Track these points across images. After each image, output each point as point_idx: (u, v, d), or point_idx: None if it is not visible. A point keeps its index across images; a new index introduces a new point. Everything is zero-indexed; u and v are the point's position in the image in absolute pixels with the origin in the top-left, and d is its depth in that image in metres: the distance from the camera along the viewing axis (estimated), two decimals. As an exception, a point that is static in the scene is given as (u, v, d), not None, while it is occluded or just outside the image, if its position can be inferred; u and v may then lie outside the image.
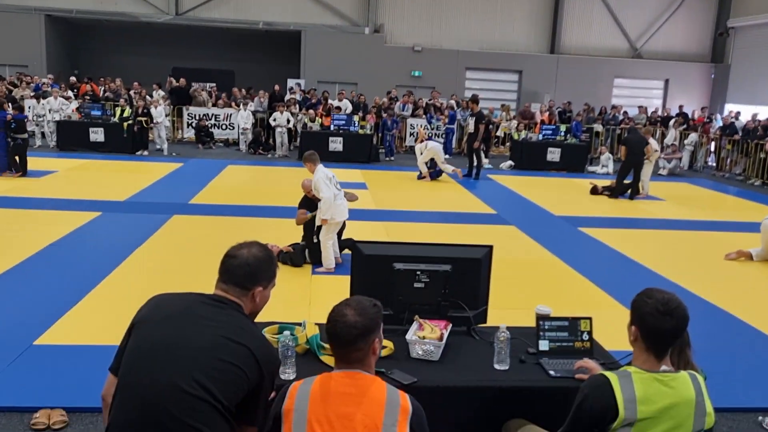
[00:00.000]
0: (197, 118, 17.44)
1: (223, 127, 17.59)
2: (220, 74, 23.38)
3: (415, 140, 15.06)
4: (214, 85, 20.58)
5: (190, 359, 2.05)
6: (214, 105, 17.91)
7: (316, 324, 3.31)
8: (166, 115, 16.37)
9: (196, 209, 9.43)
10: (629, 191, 12.17)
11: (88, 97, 17.69)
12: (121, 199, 9.83)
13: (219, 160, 14.74)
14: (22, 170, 11.45)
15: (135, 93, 17.73)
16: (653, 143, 12.59)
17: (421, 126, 16.96)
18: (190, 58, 24.48)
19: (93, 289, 5.77)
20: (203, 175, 12.33)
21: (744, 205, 12.31)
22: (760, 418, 4.02)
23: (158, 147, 15.68)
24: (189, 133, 17.53)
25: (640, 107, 20.46)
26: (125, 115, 15.49)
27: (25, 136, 11.78)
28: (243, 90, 18.91)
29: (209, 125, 17.37)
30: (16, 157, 11.42)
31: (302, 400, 2.12)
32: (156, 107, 15.62)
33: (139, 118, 15.35)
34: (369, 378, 2.18)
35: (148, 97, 17.00)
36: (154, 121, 15.48)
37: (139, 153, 15.21)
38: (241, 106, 17.17)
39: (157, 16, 22.70)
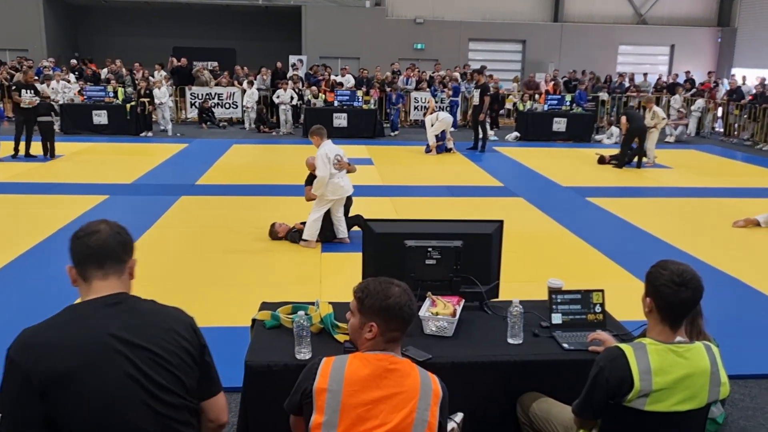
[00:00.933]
0: (200, 98, 17.37)
1: (227, 106, 17.53)
2: (221, 53, 23.22)
3: (424, 113, 14.99)
4: (215, 63, 20.44)
5: (139, 398, 1.84)
6: (216, 84, 17.83)
7: (329, 303, 3.33)
8: (170, 96, 16.30)
9: (203, 190, 9.44)
10: (636, 159, 12.11)
11: (89, 81, 17.62)
12: (128, 182, 9.85)
13: (224, 139, 14.71)
14: (49, 153, 11.80)
15: (137, 73, 17.65)
16: (659, 111, 12.46)
17: (429, 98, 16.86)
18: (191, 37, 24.33)
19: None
20: (209, 155, 12.32)
21: (753, 171, 12.23)
22: (773, 384, 4.03)
23: (162, 128, 15.65)
24: (192, 113, 17.47)
25: (645, 74, 20.24)
26: (121, 96, 15.45)
27: (49, 118, 12.02)
28: (245, 68, 18.77)
29: (212, 104, 17.30)
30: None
31: (336, 380, 2.10)
32: (159, 88, 15.56)
33: (142, 100, 15.30)
34: (402, 362, 2.17)
35: (150, 77, 16.92)
36: (158, 102, 15.43)
37: (143, 134, 15.20)
38: (245, 84, 17.08)
39: (155, -5, 22.54)
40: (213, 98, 17.43)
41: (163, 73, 17.69)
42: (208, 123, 16.89)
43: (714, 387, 2.32)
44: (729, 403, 3.76)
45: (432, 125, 13.17)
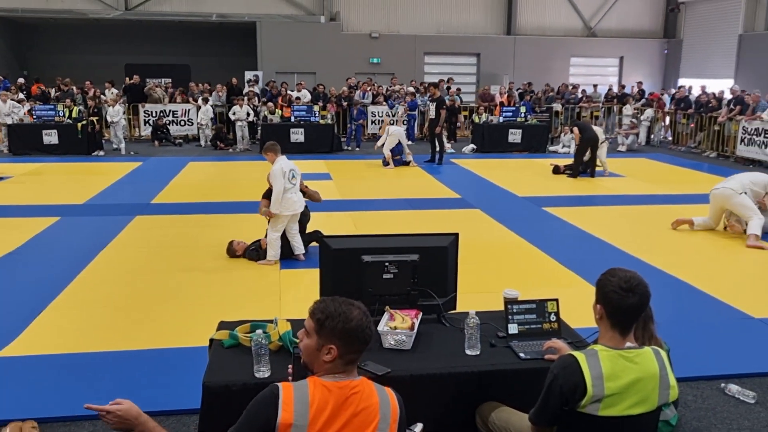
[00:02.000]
0: (154, 115, 17.14)
1: (182, 123, 17.33)
2: (175, 69, 23.00)
3: (380, 129, 15.10)
4: (169, 80, 20.22)
5: None
6: (171, 101, 17.62)
7: (288, 320, 3.33)
8: (123, 113, 16.04)
9: (159, 209, 9.30)
10: (589, 169, 12.38)
11: (38, 101, 17.23)
12: (80, 202, 9.64)
13: (179, 157, 14.53)
14: None
15: (88, 92, 17.33)
16: (599, 132, 12.67)
17: (386, 114, 16.99)
18: (144, 53, 24.05)
19: (56, 297, 5.66)
20: (164, 174, 12.16)
21: (700, 178, 12.62)
22: (723, 384, 4.15)
23: (115, 147, 15.38)
24: (146, 131, 17.22)
25: (594, 86, 20.76)
26: (75, 115, 15.15)
27: None
28: (200, 84, 18.63)
29: (167, 122, 17.09)
30: None
31: (302, 414, 2.03)
32: (113, 106, 15.30)
33: (92, 118, 15.02)
34: (361, 384, 2.15)
35: (102, 96, 16.64)
36: (110, 120, 15.17)
37: (95, 154, 14.91)
38: (200, 100, 16.94)
39: (105, 12, 22.19)
40: (168, 115, 17.22)
41: (114, 90, 17.42)
42: (164, 141, 16.67)
43: (663, 390, 2.39)
44: (682, 405, 3.87)
45: (384, 140, 13.32)
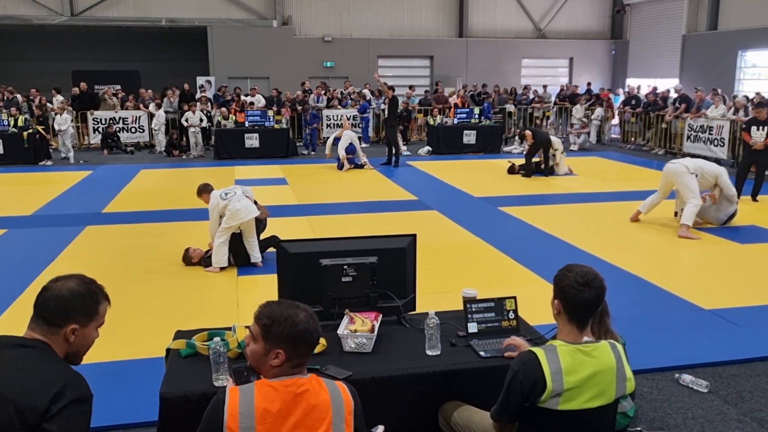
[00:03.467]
0: (104, 122, 16.76)
1: (133, 130, 16.98)
2: (124, 75, 22.49)
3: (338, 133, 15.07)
4: (118, 86, 19.79)
5: None
6: (121, 108, 17.25)
7: (246, 327, 3.27)
8: (71, 121, 15.63)
9: (110, 218, 9.08)
10: (543, 168, 12.61)
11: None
12: (27, 214, 9.34)
13: (131, 165, 14.23)
14: None
15: (34, 100, 16.83)
16: (557, 143, 12.92)
17: (345, 117, 16.95)
18: (91, 60, 23.45)
19: (3, 312, 5.47)
20: (115, 182, 11.88)
21: (650, 174, 12.93)
22: (677, 375, 4.26)
23: (63, 156, 14.99)
24: (96, 139, 16.81)
25: (544, 86, 21.12)
26: (20, 124, 14.70)
27: None
28: (150, 90, 18.30)
29: (117, 129, 16.72)
30: None
31: (247, 416, 2.01)
32: (61, 114, 14.90)
33: (37, 127, 14.59)
34: (309, 381, 2.12)
35: (49, 104, 16.18)
36: (58, 128, 14.76)
37: (42, 163, 14.49)
38: (152, 107, 16.63)
39: (50, 17, 21.59)
40: (118, 123, 16.85)
41: (61, 98, 16.97)
42: (114, 149, 16.30)
43: (620, 383, 2.43)
44: (638, 396, 3.95)
45: (332, 140, 13.43)
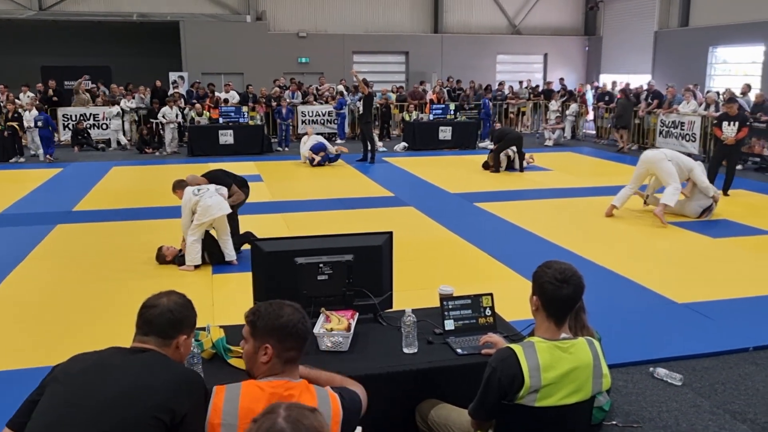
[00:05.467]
0: (74, 119, 16.46)
1: (104, 126, 16.70)
2: (95, 71, 22.02)
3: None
4: (89, 82, 19.44)
5: (95, 421, 1.91)
6: (93, 104, 16.96)
7: (221, 326, 3.23)
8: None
9: (82, 216, 8.92)
10: (518, 165, 12.69)
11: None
12: (-4, 212, 9.16)
13: (102, 162, 14.01)
14: None
15: (2, 96, 16.46)
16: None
17: (309, 128, 16.79)
18: (61, 55, 22.99)
19: (-28, 313, 5.34)
20: (86, 180, 11.68)
21: (623, 169, 13.05)
22: (651, 369, 4.30)
23: (33, 153, 14.70)
24: (66, 136, 16.52)
25: (520, 82, 21.23)
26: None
27: None
28: (121, 87, 18.03)
29: (87, 126, 16.44)
30: None
31: (231, 413, 2.02)
32: (30, 111, 14.60)
33: (10, 124, 14.29)
34: (298, 386, 2.12)
35: (17, 100, 15.84)
36: (27, 125, 14.46)
37: (13, 160, 14.20)
38: (123, 103, 16.39)
39: (18, 12, 21.15)
40: (88, 119, 16.56)
41: (31, 94, 16.63)
42: (84, 146, 16.03)
43: (597, 379, 2.44)
44: (614, 390, 3.97)
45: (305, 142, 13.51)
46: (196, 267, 6.47)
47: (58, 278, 6.29)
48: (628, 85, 17.92)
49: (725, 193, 10.15)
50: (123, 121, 16.84)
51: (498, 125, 17.12)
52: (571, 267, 2.47)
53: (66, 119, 16.55)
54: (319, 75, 20.98)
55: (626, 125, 15.81)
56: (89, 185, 11.18)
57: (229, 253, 6.60)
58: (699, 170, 8.50)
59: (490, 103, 18.55)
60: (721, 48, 20.40)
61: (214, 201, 6.41)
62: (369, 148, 13.93)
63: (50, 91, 16.94)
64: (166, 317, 2.18)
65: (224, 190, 6.71)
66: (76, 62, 22.63)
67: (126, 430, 1.89)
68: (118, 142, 16.47)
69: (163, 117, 15.67)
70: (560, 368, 2.38)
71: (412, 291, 5.17)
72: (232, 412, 2.02)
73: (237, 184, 7.01)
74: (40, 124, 14.27)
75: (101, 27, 23.08)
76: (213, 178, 6.85)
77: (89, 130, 16.41)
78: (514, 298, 4.12)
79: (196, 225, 6.36)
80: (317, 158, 13.21)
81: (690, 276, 6.32)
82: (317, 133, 14.59)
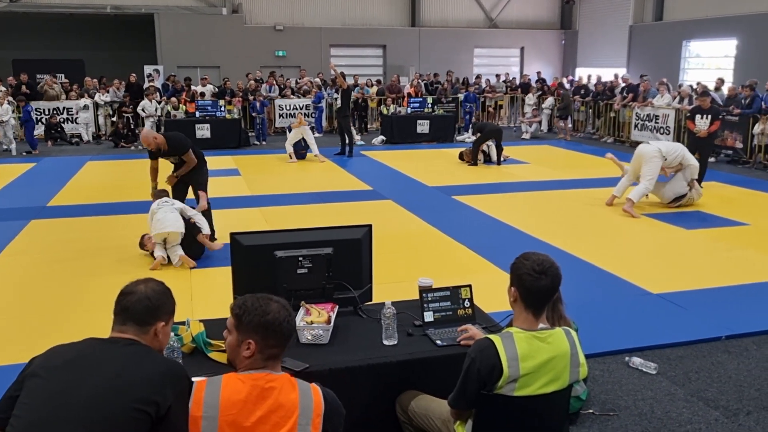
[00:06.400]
0: (47, 113, 16.21)
1: (78, 120, 16.46)
2: (68, 64, 21.75)
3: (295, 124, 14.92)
4: (62, 75, 19.16)
5: (81, 417, 1.89)
6: (66, 98, 16.71)
7: (201, 321, 3.22)
8: (12, 112, 15.06)
9: (56, 211, 8.80)
10: (496, 158, 12.77)
11: None
12: (-33, 208, 9.00)
13: (77, 156, 13.82)
14: None
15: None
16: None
17: (300, 113, 16.72)
18: (33, 48, 22.65)
19: (-55, 310, 5.26)
20: (61, 175, 11.52)
21: (599, 162, 13.19)
22: (627, 358, 4.37)
23: (5, 147, 14.45)
24: (39, 130, 16.25)
25: (497, 75, 21.32)
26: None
27: None
28: (95, 80, 17.79)
29: (61, 120, 16.20)
30: None
31: (212, 405, 2.02)
32: (2, 105, 14.33)
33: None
34: (280, 378, 2.12)
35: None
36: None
37: (-15, 155, 13.97)
38: (97, 96, 16.18)
39: (-11, 4, 20.78)
40: (62, 113, 16.32)
41: (2, 88, 16.33)
42: (58, 140, 15.80)
43: (574, 368, 2.48)
44: (590, 380, 4.04)
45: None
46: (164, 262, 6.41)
47: (33, 275, 6.21)
48: (571, 79, 18.30)
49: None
50: (97, 115, 16.63)
51: (474, 119, 17.24)
52: (549, 258, 2.50)
53: (39, 113, 16.29)
54: (297, 68, 20.89)
55: (568, 115, 17.18)
56: (64, 180, 11.03)
57: (174, 259, 6.48)
58: (694, 166, 8.79)
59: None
60: (694, 42, 20.69)
61: (168, 217, 6.40)
62: (348, 141, 13.92)
63: (23, 87, 16.65)
64: (143, 304, 2.16)
65: (189, 212, 6.65)
66: (48, 55, 22.32)
67: (112, 424, 1.88)
68: (94, 136, 16.26)
69: (143, 110, 15.51)
70: (538, 358, 2.42)
71: (391, 283, 5.19)
72: (213, 404, 2.02)
73: (195, 154, 7.03)
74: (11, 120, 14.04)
75: (74, 20, 22.75)
76: (172, 139, 6.92)
77: (62, 125, 16.17)
78: (492, 289, 4.16)
79: (152, 234, 6.41)
80: (294, 159, 13.16)
81: (664, 267, 6.42)
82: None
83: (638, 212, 8.42)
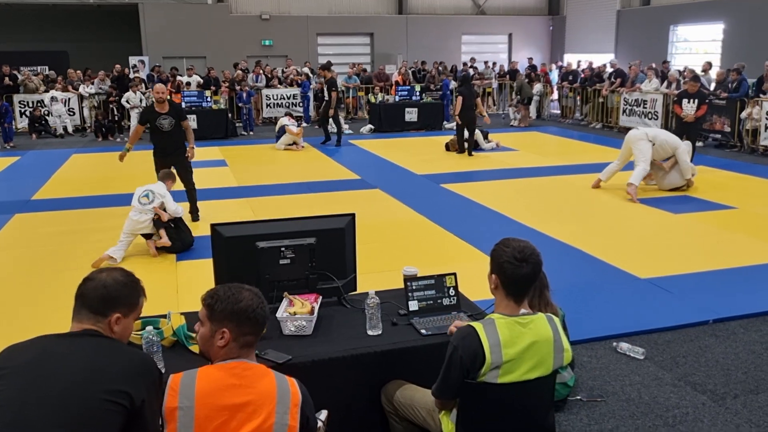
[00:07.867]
0: (31, 106, 16.02)
1: (51, 113, 16.24)
2: (51, 56, 21.49)
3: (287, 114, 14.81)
4: (45, 68, 18.93)
5: (54, 415, 1.83)
6: (52, 89, 16.51)
7: (182, 313, 3.18)
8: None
9: (41, 205, 8.71)
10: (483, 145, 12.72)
11: None
12: (-50, 203, 8.88)
13: (62, 149, 13.67)
14: None
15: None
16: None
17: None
18: (16, 40, 22.36)
19: (-74, 307, 5.19)
20: (45, 168, 11.40)
21: (588, 148, 13.22)
22: (615, 343, 4.36)
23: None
24: (23, 123, 16.07)
25: (486, 62, 21.24)
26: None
27: None
28: (78, 71, 17.58)
29: (45, 112, 16.01)
30: None
31: (188, 396, 2.00)
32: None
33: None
34: (256, 367, 2.11)
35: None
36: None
37: (-31, 149, 13.80)
38: (81, 89, 15.99)
39: (-31, -5, 20.47)
40: (45, 106, 16.12)
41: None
42: (42, 133, 15.62)
43: (558, 353, 2.45)
44: (578, 366, 4.03)
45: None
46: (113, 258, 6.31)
47: (17, 269, 6.14)
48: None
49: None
50: (82, 107, 16.46)
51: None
52: (529, 245, 2.46)
53: (22, 106, 16.10)
54: (284, 58, 20.73)
55: (529, 101, 17.43)
56: (48, 173, 10.91)
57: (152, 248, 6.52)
58: (683, 149, 8.83)
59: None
60: (681, 26, 20.67)
61: (142, 220, 6.41)
62: (336, 131, 13.85)
63: (6, 78, 16.43)
64: (99, 292, 2.08)
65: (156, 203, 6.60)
66: (31, 47, 22.06)
67: (87, 419, 1.84)
68: (78, 128, 16.10)
69: (127, 102, 15.34)
70: (520, 343, 2.39)
71: (376, 273, 5.16)
72: (188, 394, 2.00)
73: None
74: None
75: (57, 11, 22.47)
76: (175, 107, 7.83)
77: (47, 117, 15.98)
78: (479, 276, 4.11)
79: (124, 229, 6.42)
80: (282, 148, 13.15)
81: (652, 251, 6.42)
82: (285, 115, 14.20)
83: (626, 197, 8.43)
